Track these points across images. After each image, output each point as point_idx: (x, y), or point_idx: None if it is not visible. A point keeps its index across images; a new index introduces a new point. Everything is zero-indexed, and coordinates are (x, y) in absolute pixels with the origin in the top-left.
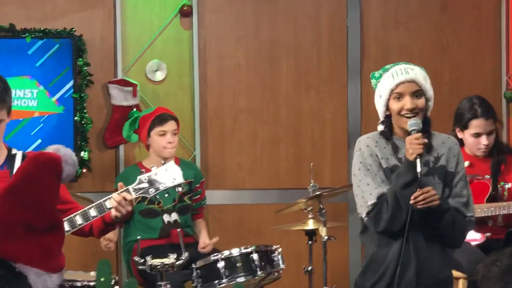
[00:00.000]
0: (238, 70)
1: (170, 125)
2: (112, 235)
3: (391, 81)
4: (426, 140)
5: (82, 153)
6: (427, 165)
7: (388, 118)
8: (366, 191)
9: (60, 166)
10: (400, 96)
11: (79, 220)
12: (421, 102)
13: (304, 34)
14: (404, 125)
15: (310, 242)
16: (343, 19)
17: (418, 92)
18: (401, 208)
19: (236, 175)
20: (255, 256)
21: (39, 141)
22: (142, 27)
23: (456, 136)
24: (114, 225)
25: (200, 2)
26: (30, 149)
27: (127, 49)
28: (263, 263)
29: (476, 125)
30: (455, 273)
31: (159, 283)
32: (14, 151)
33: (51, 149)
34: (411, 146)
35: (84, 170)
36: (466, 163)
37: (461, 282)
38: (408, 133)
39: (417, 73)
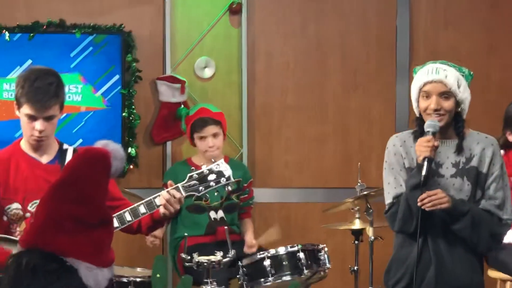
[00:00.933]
0: (286, 68)
1: (210, 130)
2: (158, 231)
3: (422, 78)
4: (436, 143)
5: (129, 149)
6: (456, 166)
7: (421, 115)
8: (386, 191)
9: (109, 161)
10: (427, 95)
11: (128, 216)
12: (448, 104)
13: (352, 32)
14: None
15: (356, 242)
16: (392, 18)
17: (447, 94)
18: (411, 210)
19: (283, 173)
20: (301, 254)
21: (84, 136)
22: (192, 24)
23: (506, 139)
24: (162, 222)
25: (249, 0)
26: (75, 145)
27: (176, 45)
28: (309, 262)
29: None
30: (502, 275)
31: (205, 280)
32: (65, 146)
33: (99, 144)
34: (419, 148)
35: (131, 166)
36: None
37: (508, 284)
38: (424, 134)
39: (448, 74)
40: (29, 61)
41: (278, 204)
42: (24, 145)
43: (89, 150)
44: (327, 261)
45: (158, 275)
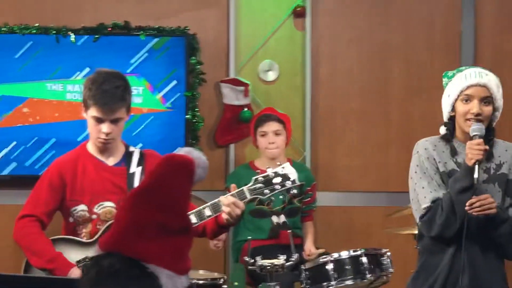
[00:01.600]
0: (350, 72)
1: (271, 126)
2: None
3: (463, 81)
4: (487, 147)
5: None
6: (487, 172)
7: (451, 120)
8: (421, 195)
9: (193, 169)
10: (468, 99)
11: (193, 219)
12: (488, 109)
13: (417, 37)
14: (467, 129)
15: (418, 247)
16: (457, 23)
17: (488, 99)
18: (456, 214)
19: (345, 177)
20: (364, 259)
21: (145, 139)
22: (256, 27)
23: None
24: (227, 227)
25: (314, 4)
26: (137, 147)
27: (240, 48)
28: (372, 266)
29: None
30: None
31: (269, 283)
32: (131, 148)
33: (182, 151)
34: (471, 151)
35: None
36: None
37: None
38: (470, 137)
39: (490, 79)
40: (93, 64)
41: (340, 208)
42: (91, 147)
43: (174, 157)
44: (390, 265)
45: (236, 283)
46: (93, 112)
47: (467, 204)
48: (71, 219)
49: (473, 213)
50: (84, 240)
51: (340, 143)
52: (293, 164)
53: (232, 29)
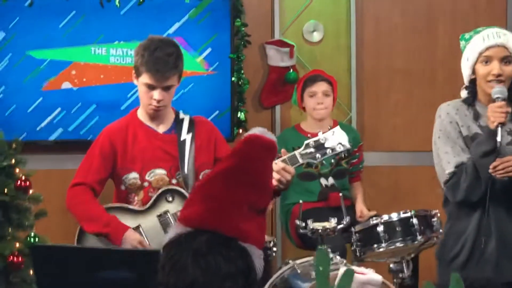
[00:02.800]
0: (395, 32)
1: (321, 86)
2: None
3: (481, 43)
4: (510, 109)
5: (239, 114)
6: (511, 134)
7: (472, 83)
8: (445, 160)
9: (275, 150)
10: (488, 60)
11: None
12: (509, 69)
13: None
14: (489, 91)
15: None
16: None
17: (508, 59)
18: (480, 177)
19: (391, 136)
20: (414, 220)
21: (190, 101)
22: None
23: None
24: (278, 193)
25: None
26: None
27: (285, 9)
28: (422, 228)
29: None
30: None
31: (320, 246)
32: (181, 115)
33: (257, 131)
34: (493, 114)
35: (241, 131)
36: None
37: None
38: (493, 100)
39: (509, 39)
40: (136, 27)
41: (386, 168)
42: (141, 114)
43: (260, 138)
44: (439, 226)
45: (321, 268)
46: (145, 78)
47: (490, 167)
48: (122, 187)
49: (497, 176)
50: (136, 208)
51: (385, 103)
52: (340, 125)
53: None
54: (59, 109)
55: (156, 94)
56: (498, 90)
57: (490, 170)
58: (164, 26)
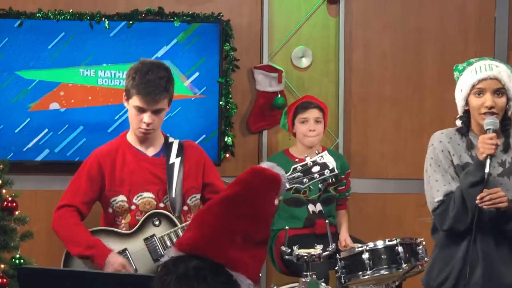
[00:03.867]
0: (384, 58)
1: (313, 113)
2: None
3: (474, 76)
4: (500, 141)
5: (226, 138)
6: (503, 165)
7: (466, 113)
8: (435, 188)
9: (280, 184)
10: (480, 92)
11: None
12: (501, 101)
13: (451, 23)
14: (482, 122)
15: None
16: (491, 10)
17: (500, 91)
18: (467, 207)
19: (378, 164)
20: (400, 248)
21: (178, 125)
22: (289, 13)
23: None
24: None
25: None
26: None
27: (274, 35)
28: (407, 256)
29: None
30: None
31: (305, 273)
32: (171, 139)
33: (266, 165)
34: (483, 145)
35: (227, 155)
36: None
37: None
38: (484, 131)
39: (501, 71)
40: (125, 50)
41: (373, 195)
42: (130, 137)
43: (265, 171)
44: (425, 254)
45: None
46: (135, 101)
47: (477, 198)
48: (110, 210)
49: (484, 206)
50: (123, 231)
51: (373, 130)
52: (328, 151)
53: (265, 15)
54: (46, 130)
55: (146, 117)
56: (489, 122)
57: (477, 201)
58: (153, 49)
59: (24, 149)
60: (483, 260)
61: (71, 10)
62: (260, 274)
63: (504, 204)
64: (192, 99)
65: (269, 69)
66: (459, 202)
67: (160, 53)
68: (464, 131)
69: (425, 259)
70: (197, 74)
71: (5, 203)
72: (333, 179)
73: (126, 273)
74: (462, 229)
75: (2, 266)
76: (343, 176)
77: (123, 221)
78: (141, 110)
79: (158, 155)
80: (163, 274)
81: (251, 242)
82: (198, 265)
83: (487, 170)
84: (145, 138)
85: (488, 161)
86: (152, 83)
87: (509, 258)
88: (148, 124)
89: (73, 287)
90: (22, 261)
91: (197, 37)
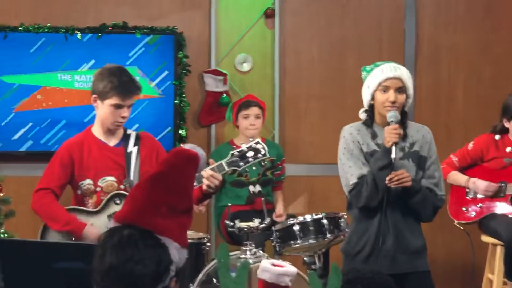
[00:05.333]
0: (312, 63)
1: (254, 110)
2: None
3: (381, 75)
4: (401, 131)
5: (180, 131)
6: (403, 150)
7: (371, 107)
8: (349, 173)
9: (198, 161)
10: (385, 89)
11: None
12: (402, 97)
13: (368, 34)
14: (385, 115)
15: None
16: (401, 22)
17: (402, 89)
18: (378, 187)
19: (308, 151)
20: (325, 221)
21: (141, 120)
22: (233, 26)
23: (503, 126)
24: (209, 196)
25: (282, 6)
26: (133, 128)
27: (220, 44)
28: (331, 227)
29: None
30: (494, 241)
31: (245, 242)
32: (129, 131)
33: (188, 146)
34: (388, 135)
35: (182, 145)
36: (509, 149)
37: (499, 248)
38: (388, 123)
39: (403, 73)
40: (97, 57)
41: (304, 177)
42: (96, 131)
43: (185, 151)
44: (346, 226)
45: (222, 260)
46: (114, 100)
47: (386, 179)
48: (79, 192)
49: (392, 186)
50: (90, 209)
51: (303, 123)
52: (266, 141)
53: (213, 28)
54: (30, 124)
55: (125, 112)
56: (392, 115)
57: (386, 182)
58: (120, 57)
59: (12, 139)
60: (393, 230)
61: (48, 24)
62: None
63: (409, 183)
64: (153, 98)
65: (216, 73)
66: (371, 183)
67: (126, 61)
68: (369, 123)
69: (346, 230)
70: (156, 77)
71: None
72: (265, 162)
73: (79, 243)
74: (374, 205)
75: None
76: (279, 163)
77: (90, 201)
78: (118, 107)
79: (118, 145)
80: (102, 243)
81: (175, 211)
82: (130, 233)
83: (393, 156)
84: (116, 130)
85: (393, 148)
86: (128, 83)
87: (414, 227)
88: (125, 118)
89: (42, 255)
90: (6, 235)
91: (157, 46)
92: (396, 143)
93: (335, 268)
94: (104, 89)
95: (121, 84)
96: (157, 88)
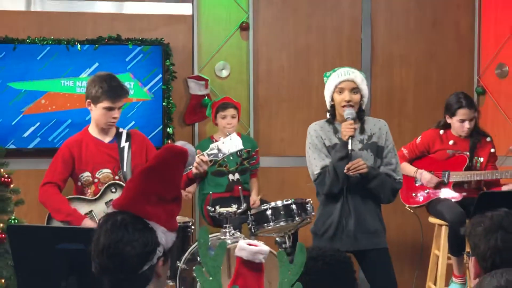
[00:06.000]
0: (282, 69)
1: (230, 111)
2: (191, 188)
3: (337, 78)
4: (356, 126)
5: (168, 129)
6: (362, 142)
7: (332, 107)
8: (313, 164)
9: (186, 156)
10: (341, 91)
11: None
12: (356, 97)
13: (330, 42)
14: (342, 113)
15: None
16: (358, 33)
17: (355, 90)
18: (338, 176)
19: (279, 145)
20: (293, 206)
21: (136, 119)
22: (213, 38)
23: (445, 121)
24: (194, 180)
25: (255, 20)
26: (129, 126)
27: (202, 53)
28: (299, 211)
29: (462, 113)
30: (439, 221)
31: (225, 225)
32: (120, 129)
33: (179, 143)
34: (345, 130)
35: (169, 141)
36: (451, 142)
37: (443, 228)
38: (344, 119)
39: (356, 76)
40: (95, 65)
41: (276, 168)
42: (92, 130)
43: (174, 147)
44: (312, 211)
45: (202, 241)
46: (105, 104)
47: (345, 168)
48: (79, 183)
49: (350, 174)
50: (89, 197)
51: (274, 121)
52: (242, 136)
53: (195, 39)
54: (38, 123)
55: (116, 113)
56: (348, 112)
57: (345, 171)
58: (115, 66)
59: (22, 138)
60: (353, 213)
61: (52, 37)
62: (193, 227)
63: (365, 170)
64: (145, 101)
65: (199, 78)
66: (332, 173)
67: (121, 69)
68: (331, 120)
69: (312, 213)
70: (147, 82)
71: (2, 179)
72: (241, 153)
73: (80, 227)
74: (336, 191)
75: (1, 225)
76: (253, 153)
77: (89, 190)
78: (110, 109)
79: (112, 142)
80: (99, 226)
81: (164, 200)
82: (122, 218)
83: (350, 148)
84: (109, 129)
85: (349, 141)
86: (118, 87)
87: (373, 210)
88: (116, 118)
89: (47, 238)
90: (16, 221)
91: (148, 55)
92: (352, 137)
93: (301, 247)
94: (96, 94)
95: (110, 89)
96: (149, 92)
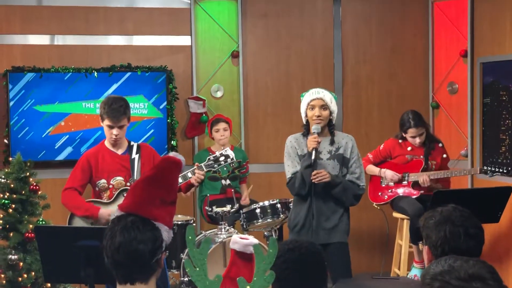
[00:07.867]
0: (267, 90)
1: (221, 125)
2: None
3: (309, 97)
4: (320, 140)
5: (172, 142)
6: (330, 153)
7: (307, 122)
8: (287, 170)
9: (181, 165)
10: (313, 107)
11: (180, 179)
12: (325, 113)
13: (307, 67)
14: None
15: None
16: (331, 58)
17: (324, 106)
18: (305, 181)
19: (266, 154)
20: (278, 205)
21: (148, 134)
22: (208, 64)
23: (403, 135)
24: (193, 186)
25: (244, 49)
26: (142, 139)
27: (199, 77)
28: (283, 209)
29: (411, 132)
30: (402, 216)
31: (221, 222)
32: (132, 143)
33: (172, 154)
34: (309, 142)
35: (170, 153)
36: (409, 148)
37: (405, 221)
38: (312, 133)
39: (325, 95)
40: (111, 90)
41: (264, 173)
42: (107, 143)
43: (171, 158)
44: None
45: (190, 237)
46: (107, 122)
47: (311, 175)
48: (96, 189)
49: (314, 181)
50: (105, 201)
51: (262, 134)
52: (235, 148)
53: (194, 66)
54: (64, 139)
55: (115, 131)
56: (315, 127)
57: (311, 178)
58: (127, 89)
59: (51, 151)
60: (316, 212)
61: (72, 66)
62: (194, 224)
63: (327, 179)
64: (155, 118)
65: (197, 98)
66: (300, 178)
67: (132, 91)
68: (305, 133)
69: None
70: (156, 102)
71: (32, 186)
72: (234, 165)
73: (95, 227)
74: (304, 194)
75: (31, 226)
76: (244, 164)
77: (104, 195)
78: (111, 127)
79: (124, 153)
80: (112, 226)
81: (165, 203)
82: (133, 219)
83: (313, 157)
84: (115, 143)
85: (313, 152)
86: (116, 110)
87: (334, 210)
88: (116, 135)
89: (68, 236)
90: (43, 223)
91: (155, 79)
92: (315, 149)
93: (273, 241)
94: (101, 113)
95: (110, 111)
96: (157, 110)
